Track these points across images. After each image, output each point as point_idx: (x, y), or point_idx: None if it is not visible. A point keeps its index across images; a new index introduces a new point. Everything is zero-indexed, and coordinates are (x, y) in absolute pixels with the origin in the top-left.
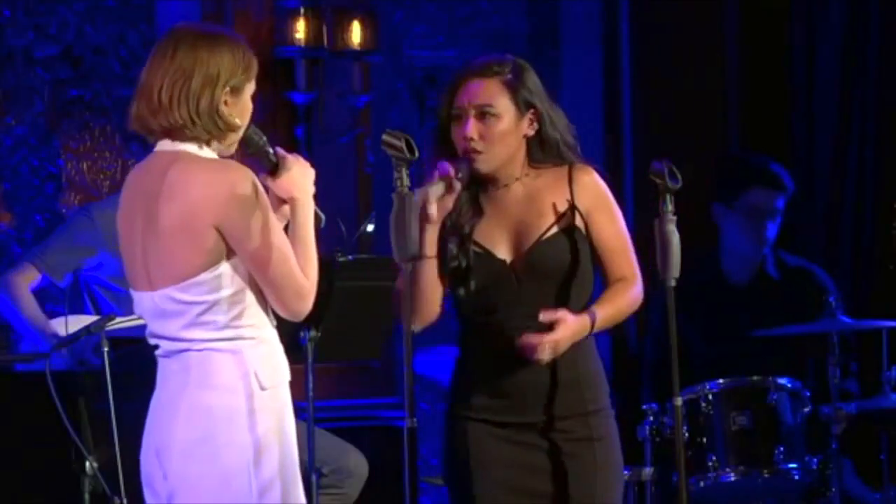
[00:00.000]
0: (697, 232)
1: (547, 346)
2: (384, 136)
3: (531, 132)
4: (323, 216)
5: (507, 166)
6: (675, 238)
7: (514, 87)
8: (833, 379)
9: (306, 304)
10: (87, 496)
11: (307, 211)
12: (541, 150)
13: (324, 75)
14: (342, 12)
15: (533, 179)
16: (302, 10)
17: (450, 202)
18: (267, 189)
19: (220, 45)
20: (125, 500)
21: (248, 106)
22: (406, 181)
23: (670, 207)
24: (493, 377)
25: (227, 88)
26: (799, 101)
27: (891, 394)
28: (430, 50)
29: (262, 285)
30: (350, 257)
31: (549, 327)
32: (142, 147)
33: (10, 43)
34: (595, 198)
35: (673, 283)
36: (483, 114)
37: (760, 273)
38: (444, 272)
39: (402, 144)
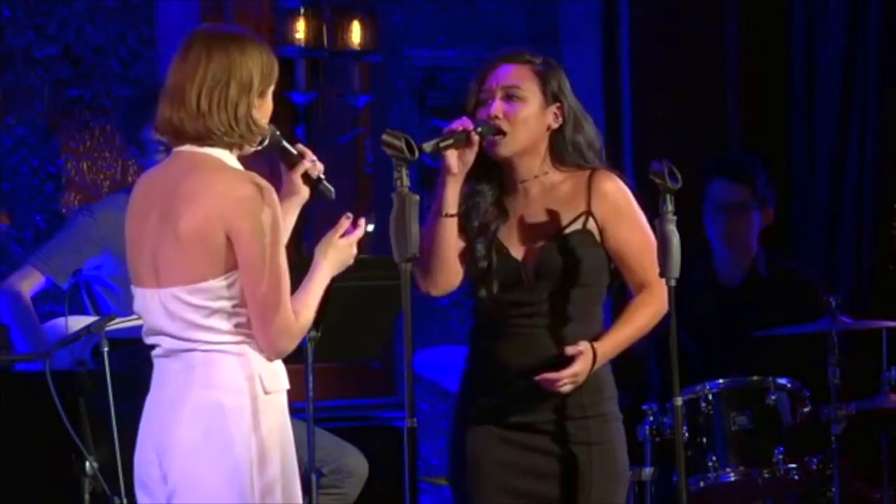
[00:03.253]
0: (697, 232)
1: (566, 381)
2: (384, 136)
3: (555, 125)
4: (332, 189)
5: (527, 157)
6: (675, 238)
7: (544, 77)
8: (833, 379)
9: (289, 342)
10: (87, 496)
11: (327, 277)
12: (563, 150)
13: (324, 75)
14: (342, 12)
15: (553, 179)
16: (302, 10)
17: (469, 156)
18: (279, 190)
19: (251, 49)
20: (125, 500)
21: (270, 106)
22: (406, 181)
23: (670, 207)
24: (500, 379)
25: (258, 93)
26: (799, 100)
27: (890, 394)
28: (430, 50)
29: (250, 310)
30: None
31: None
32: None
33: (10, 43)
34: (614, 206)
35: (673, 282)
36: (510, 95)
37: (752, 273)
38: (470, 272)
39: (402, 144)
